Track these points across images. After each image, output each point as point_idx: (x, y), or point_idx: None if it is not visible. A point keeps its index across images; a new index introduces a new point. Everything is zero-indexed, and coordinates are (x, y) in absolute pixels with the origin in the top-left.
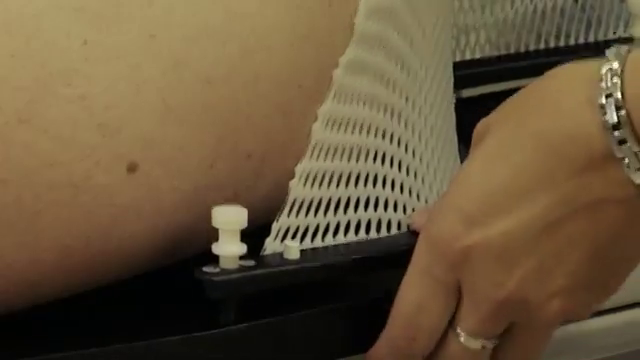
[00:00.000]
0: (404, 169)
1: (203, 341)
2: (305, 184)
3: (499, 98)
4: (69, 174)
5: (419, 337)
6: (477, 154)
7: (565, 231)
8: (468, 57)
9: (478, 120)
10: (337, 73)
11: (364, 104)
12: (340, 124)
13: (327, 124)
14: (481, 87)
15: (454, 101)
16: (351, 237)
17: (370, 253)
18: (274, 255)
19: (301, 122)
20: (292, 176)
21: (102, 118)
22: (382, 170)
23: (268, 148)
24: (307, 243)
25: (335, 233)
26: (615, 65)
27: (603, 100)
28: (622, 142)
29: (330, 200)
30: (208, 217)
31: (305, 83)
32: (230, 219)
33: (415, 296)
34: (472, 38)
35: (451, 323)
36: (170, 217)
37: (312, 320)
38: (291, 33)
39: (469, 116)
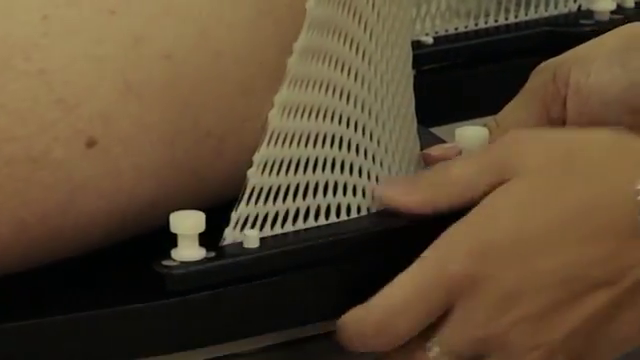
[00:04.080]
0: (362, 153)
1: (155, 310)
2: (263, 172)
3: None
4: (27, 149)
5: (386, 336)
6: (509, 195)
7: (578, 298)
8: (429, 25)
9: (434, 93)
10: (291, 60)
11: (319, 89)
12: (297, 110)
13: (283, 111)
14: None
15: (412, 78)
16: (311, 223)
17: (331, 238)
18: (234, 245)
19: (262, 101)
20: (252, 154)
21: (61, 93)
22: (340, 155)
23: (228, 126)
24: (267, 231)
25: (295, 219)
26: None
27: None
28: None
29: (289, 187)
30: (167, 194)
31: (266, 60)
32: (188, 224)
33: (403, 299)
34: (433, 6)
35: (422, 334)
36: (128, 193)
37: (272, 287)
38: (251, 9)
39: (427, 90)
